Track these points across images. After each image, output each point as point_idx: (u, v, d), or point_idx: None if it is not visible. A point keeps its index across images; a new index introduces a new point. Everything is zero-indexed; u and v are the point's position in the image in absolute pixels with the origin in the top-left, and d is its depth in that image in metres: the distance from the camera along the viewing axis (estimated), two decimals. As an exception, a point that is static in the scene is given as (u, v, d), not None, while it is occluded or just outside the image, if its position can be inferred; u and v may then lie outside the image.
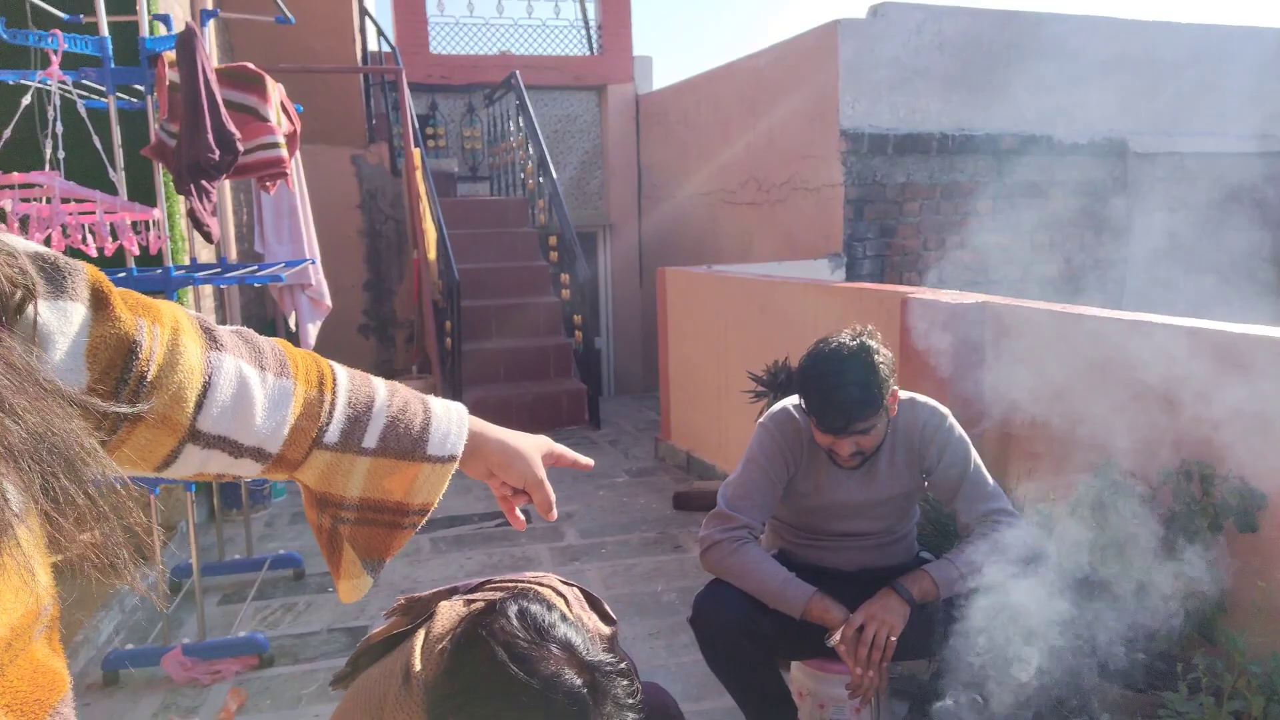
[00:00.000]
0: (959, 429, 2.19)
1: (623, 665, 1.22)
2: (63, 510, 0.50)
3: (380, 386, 0.84)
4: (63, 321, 0.59)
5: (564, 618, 1.22)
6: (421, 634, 1.32)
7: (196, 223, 2.49)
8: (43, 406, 0.50)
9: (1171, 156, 6.13)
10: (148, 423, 0.65)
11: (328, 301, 3.72)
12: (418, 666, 1.26)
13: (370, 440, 0.79)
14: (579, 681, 1.13)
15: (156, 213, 2.57)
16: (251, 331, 0.79)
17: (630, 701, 1.20)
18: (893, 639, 1.96)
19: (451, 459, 0.83)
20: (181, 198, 2.64)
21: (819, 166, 5.63)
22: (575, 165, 8.48)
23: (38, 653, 0.49)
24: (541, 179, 6.82)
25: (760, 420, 2.29)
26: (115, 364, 0.63)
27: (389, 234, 7.41)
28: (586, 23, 8.76)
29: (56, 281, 0.59)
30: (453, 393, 5.89)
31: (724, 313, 4.54)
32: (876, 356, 2.04)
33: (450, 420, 0.85)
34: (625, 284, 8.61)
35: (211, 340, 0.72)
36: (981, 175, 5.78)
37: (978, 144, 5.69)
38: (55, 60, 2.27)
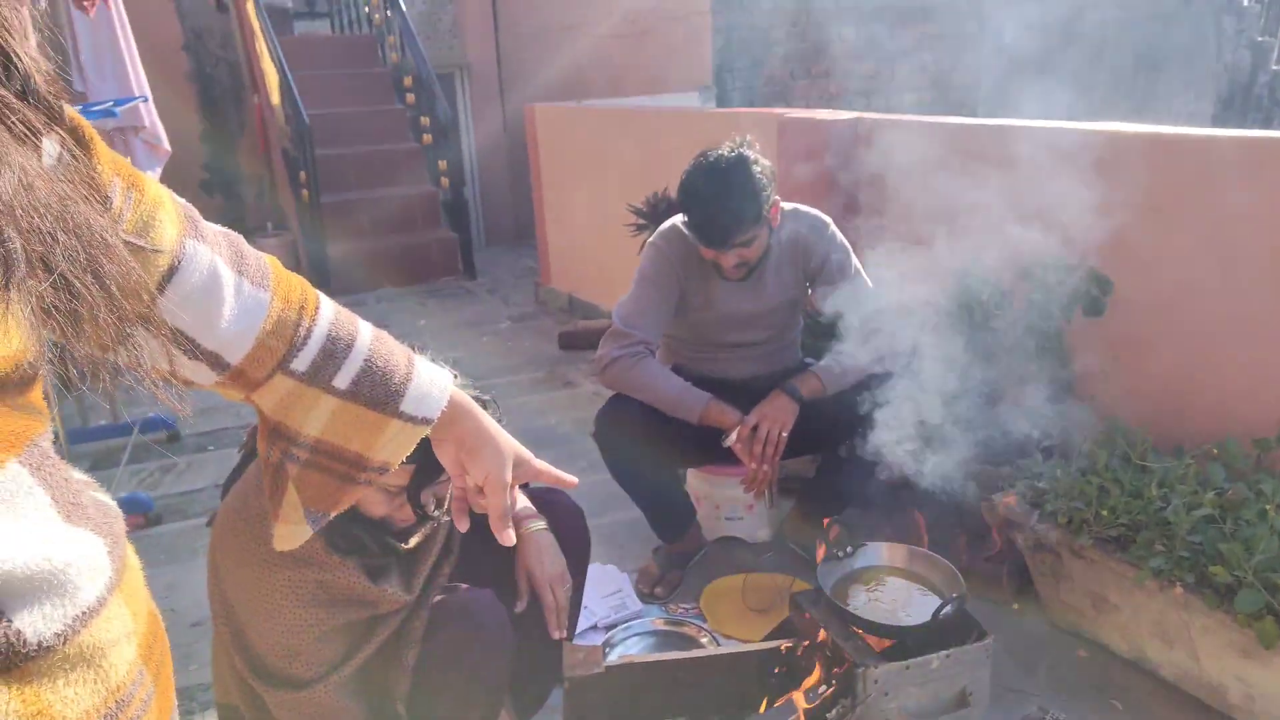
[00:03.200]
0: (840, 236, 2.26)
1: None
2: (77, 301, 0.48)
3: (366, 330, 0.79)
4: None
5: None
6: None
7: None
8: (59, 188, 0.48)
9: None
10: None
11: (166, 145, 3.38)
12: None
13: (342, 380, 0.74)
14: None
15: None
16: (241, 239, 0.74)
17: None
18: (784, 435, 2.08)
19: (425, 422, 0.78)
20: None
21: (686, -7, 5.45)
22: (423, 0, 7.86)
23: (10, 401, 0.48)
24: (389, 12, 6.32)
25: (650, 239, 2.30)
26: None
27: (222, 78, 6.74)
28: None
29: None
30: (316, 248, 5.60)
31: (598, 148, 4.44)
32: (755, 167, 2.05)
33: (434, 383, 0.80)
34: (488, 129, 8.23)
35: (194, 228, 0.68)
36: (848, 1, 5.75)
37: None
38: None
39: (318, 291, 0.78)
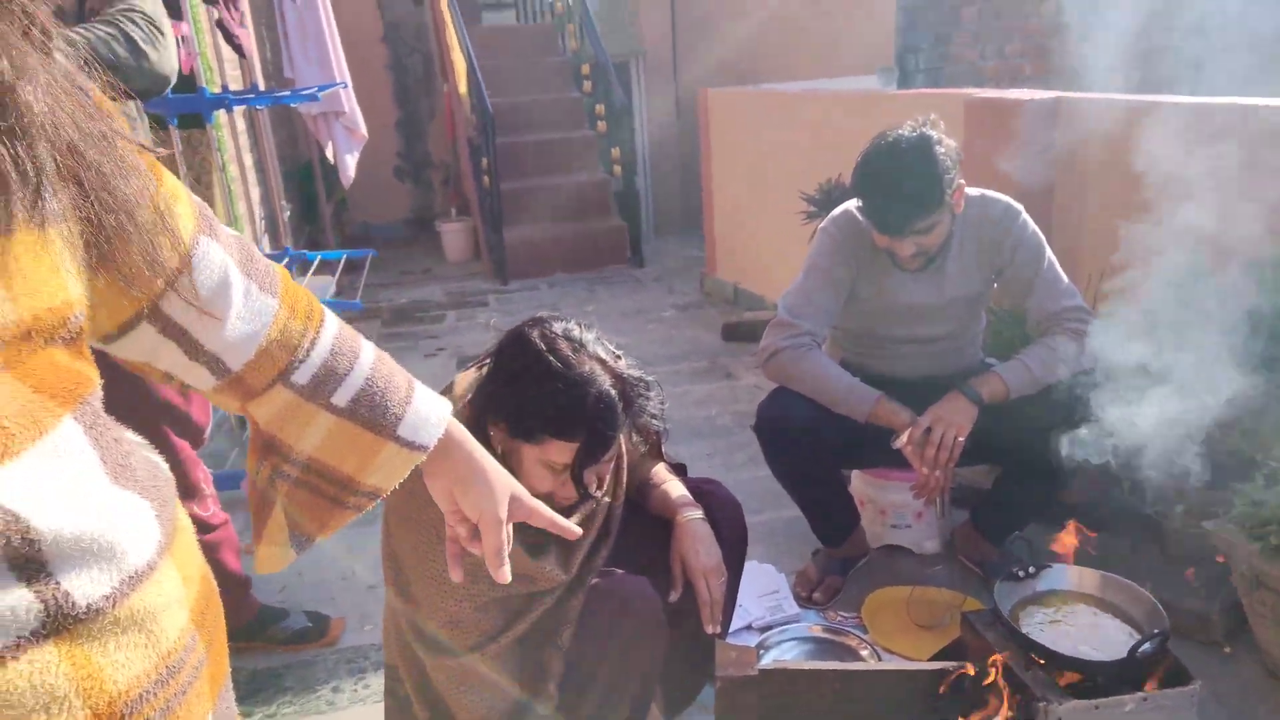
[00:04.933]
0: (1033, 225, 2.07)
1: (652, 379, 1.38)
2: (102, 218, 0.50)
3: (369, 349, 0.77)
4: None
5: (599, 341, 1.37)
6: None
7: (226, 34, 2.36)
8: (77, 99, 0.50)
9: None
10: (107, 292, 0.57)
11: (363, 130, 3.60)
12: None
13: (342, 398, 0.72)
14: (609, 384, 1.29)
15: (185, 27, 2.42)
16: (251, 243, 0.73)
17: (657, 412, 1.38)
18: (960, 440, 1.93)
19: (421, 449, 0.75)
20: (207, 9, 2.49)
21: (870, -28, 5.21)
22: (604, -10, 7.97)
23: (58, 355, 0.48)
24: (570, 0, 6.45)
25: (821, 225, 2.20)
26: None
27: (416, 69, 7.13)
28: None
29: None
30: (493, 232, 5.82)
31: (771, 134, 4.34)
32: (938, 148, 1.91)
33: (432, 409, 0.77)
34: (661, 117, 8.26)
35: (208, 225, 0.66)
36: (1047, -26, 5.31)
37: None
38: None
39: (324, 306, 0.76)
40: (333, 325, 0.75)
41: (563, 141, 6.34)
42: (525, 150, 6.19)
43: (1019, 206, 2.09)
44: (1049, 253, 2.07)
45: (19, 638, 0.42)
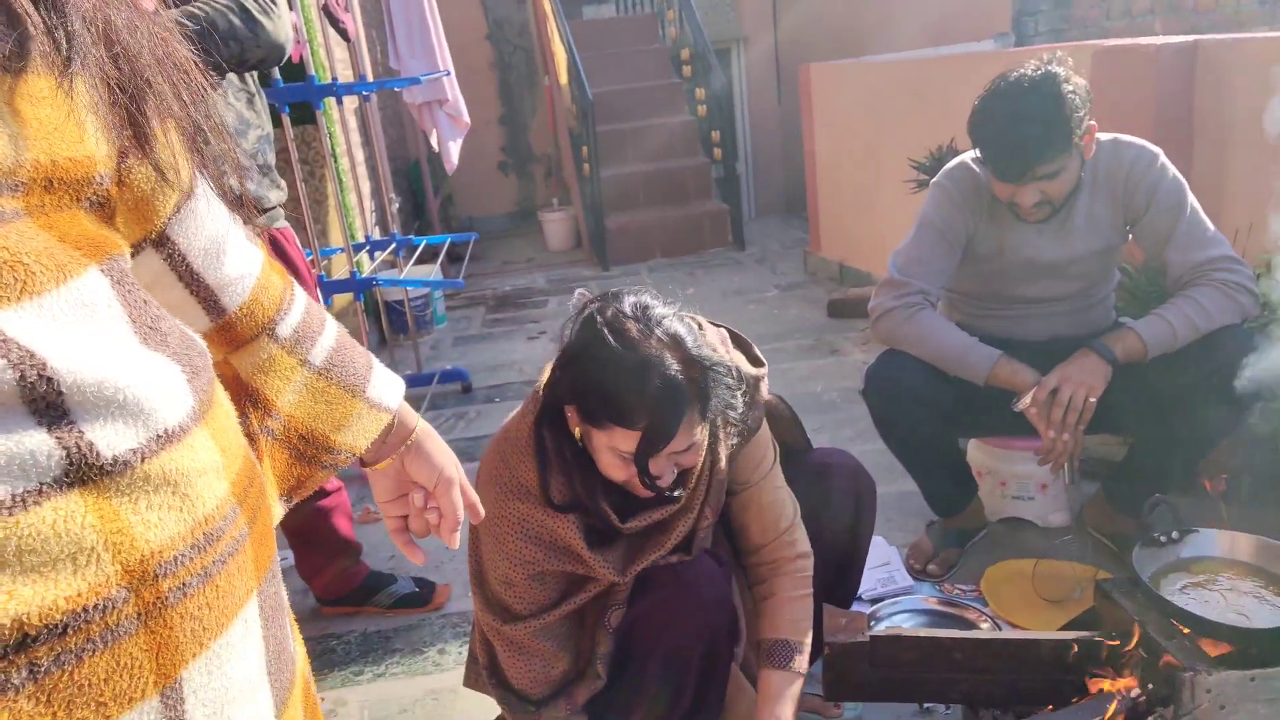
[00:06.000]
0: (1173, 169, 1.90)
1: (731, 364, 1.24)
2: (142, 83, 0.50)
3: (332, 319, 0.78)
4: None
5: (681, 318, 1.24)
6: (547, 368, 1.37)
7: (332, 20, 2.43)
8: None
9: None
10: (133, 191, 0.53)
11: (466, 118, 3.67)
12: (541, 385, 1.32)
13: (317, 357, 0.73)
14: (677, 369, 1.17)
15: (295, 16, 2.51)
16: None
17: (738, 407, 1.25)
18: (1091, 400, 1.79)
19: (387, 410, 0.76)
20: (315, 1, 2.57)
21: (982, -67, 4.97)
22: (703, -24, 7.89)
23: (85, 218, 0.47)
24: (670, -12, 6.42)
25: (934, 180, 2.08)
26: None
27: (519, 65, 7.24)
28: None
29: None
30: (594, 220, 5.84)
31: (876, 105, 4.18)
32: (1064, 86, 1.76)
33: (391, 378, 0.79)
34: (762, 101, 8.12)
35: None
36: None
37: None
38: None
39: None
40: (302, 290, 0.76)
41: (662, 127, 6.31)
42: (625, 137, 6.19)
43: (1156, 149, 1.92)
44: (1192, 199, 1.90)
45: (41, 483, 0.39)
